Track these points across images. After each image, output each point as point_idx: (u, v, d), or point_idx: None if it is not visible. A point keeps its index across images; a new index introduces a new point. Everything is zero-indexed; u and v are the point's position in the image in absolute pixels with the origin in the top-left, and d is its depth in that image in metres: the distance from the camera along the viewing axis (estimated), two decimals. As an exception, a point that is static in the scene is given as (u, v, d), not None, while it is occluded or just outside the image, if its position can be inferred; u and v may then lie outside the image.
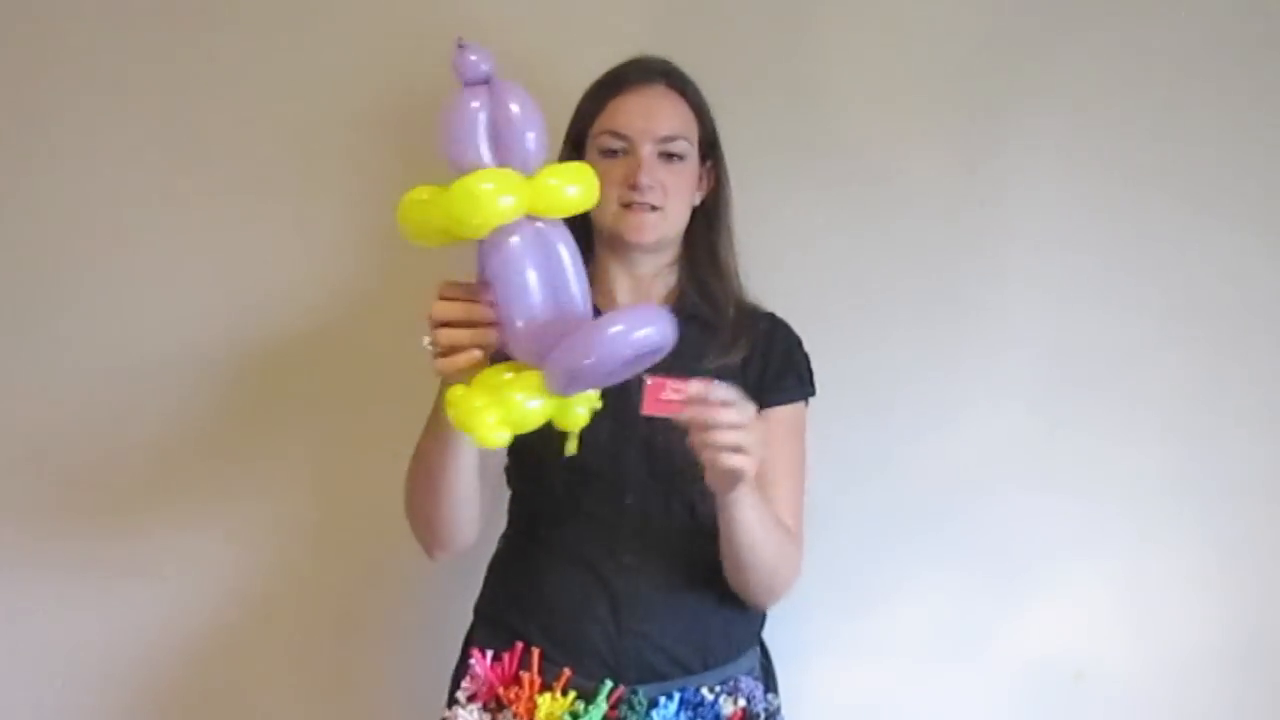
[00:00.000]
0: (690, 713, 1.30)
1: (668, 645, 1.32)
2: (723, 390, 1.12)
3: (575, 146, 1.40)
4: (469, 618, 1.43)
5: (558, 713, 1.25)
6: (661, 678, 1.31)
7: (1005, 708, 1.71)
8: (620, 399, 1.17)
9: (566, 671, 1.28)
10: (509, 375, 1.07)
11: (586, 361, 1.03)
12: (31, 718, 1.69)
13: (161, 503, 1.68)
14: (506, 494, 1.43)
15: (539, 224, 1.07)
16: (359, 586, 1.69)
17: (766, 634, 1.45)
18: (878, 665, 1.71)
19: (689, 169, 1.38)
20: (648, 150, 1.34)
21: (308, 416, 1.68)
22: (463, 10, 1.63)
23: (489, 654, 1.32)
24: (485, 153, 1.05)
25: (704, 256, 1.42)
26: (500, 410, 1.03)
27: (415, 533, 1.34)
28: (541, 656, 1.29)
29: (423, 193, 1.09)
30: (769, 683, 1.42)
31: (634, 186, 1.34)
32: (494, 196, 1.02)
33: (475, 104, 1.05)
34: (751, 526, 1.24)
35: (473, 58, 1.06)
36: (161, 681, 1.69)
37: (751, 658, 1.40)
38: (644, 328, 1.05)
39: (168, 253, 1.65)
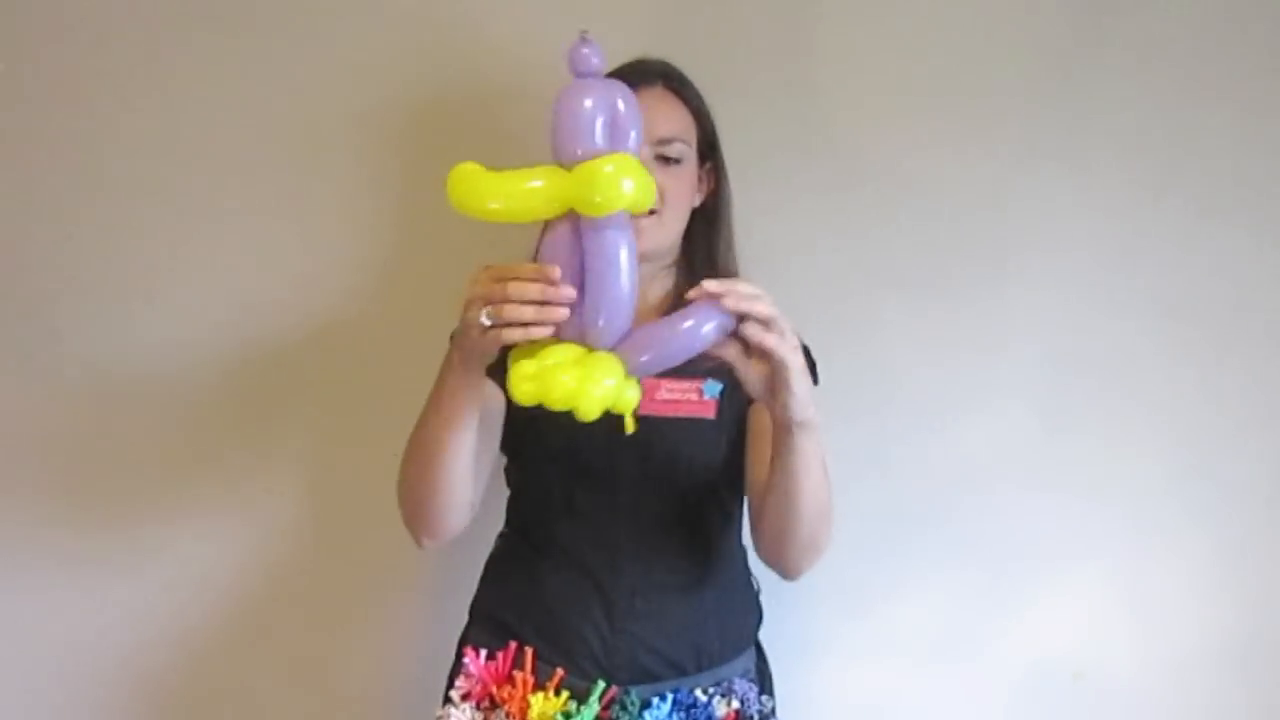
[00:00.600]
0: (683, 714, 1.30)
1: (661, 646, 1.32)
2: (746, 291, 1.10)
3: None
4: (465, 617, 1.43)
5: (550, 712, 1.25)
6: (655, 678, 1.31)
7: (1005, 708, 1.72)
8: None
9: (559, 671, 1.29)
10: (555, 354, 1.10)
11: (662, 352, 1.10)
12: (28, 716, 1.71)
13: (156, 502, 1.68)
14: (504, 494, 1.43)
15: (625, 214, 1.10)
16: (355, 585, 1.70)
17: (765, 634, 1.45)
18: (878, 665, 1.71)
19: (687, 172, 1.36)
20: (645, 153, 1.31)
21: (304, 415, 1.68)
22: (463, 11, 1.64)
23: (483, 653, 1.32)
24: (602, 142, 1.08)
25: (702, 258, 1.40)
26: (591, 387, 1.07)
27: (405, 518, 1.32)
28: (535, 656, 1.30)
29: (471, 168, 1.10)
30: (764, 685, 1.42)
31: None
32: (619, 180, 1.05)
33: (590, 99, 1.07)
34: (810, 459, 1.19)
35: (586, 50, 1.08)
36: (156, 680, 1.70)
37: (746, 659, 1.40)
38: (711, 325, 1.10)
39: (166, 252, 1.66)
